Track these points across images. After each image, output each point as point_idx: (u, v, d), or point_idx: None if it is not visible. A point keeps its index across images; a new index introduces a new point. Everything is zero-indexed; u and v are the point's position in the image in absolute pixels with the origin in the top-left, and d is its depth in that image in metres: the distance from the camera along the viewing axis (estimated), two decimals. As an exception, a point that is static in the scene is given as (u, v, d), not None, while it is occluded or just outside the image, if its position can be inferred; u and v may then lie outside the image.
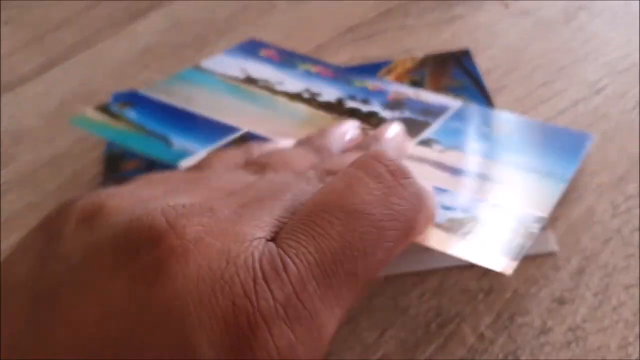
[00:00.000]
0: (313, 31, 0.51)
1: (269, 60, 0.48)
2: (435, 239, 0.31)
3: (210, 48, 0.51)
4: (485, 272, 0.36)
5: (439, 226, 0.32)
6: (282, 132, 0.40)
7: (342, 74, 0.47)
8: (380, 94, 0.45)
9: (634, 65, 0.46)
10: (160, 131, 0.40)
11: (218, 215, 0.19)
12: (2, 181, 0.43)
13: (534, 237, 0.32)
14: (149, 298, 0.16)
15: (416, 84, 0.46)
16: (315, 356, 0.18)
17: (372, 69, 0.47)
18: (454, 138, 0.40)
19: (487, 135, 0.41)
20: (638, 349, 0.33)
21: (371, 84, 0.46)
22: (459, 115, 0.43)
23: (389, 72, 0.47)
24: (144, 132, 0.40)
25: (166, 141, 0.39)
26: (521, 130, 0.42)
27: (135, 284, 0.17)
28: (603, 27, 0.49)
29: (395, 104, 0.44)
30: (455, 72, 0.46)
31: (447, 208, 0.34)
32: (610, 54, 0.47)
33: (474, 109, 0.43)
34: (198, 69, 0.47)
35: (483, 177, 0.37)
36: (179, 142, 0.39)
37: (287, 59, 0.48)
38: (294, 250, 0.18)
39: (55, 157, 0.44)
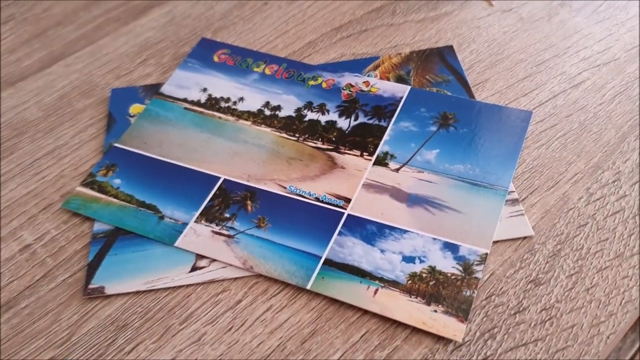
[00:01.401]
0: (304, 28, 0.53)
1: (223, 67, 0.50)
2: (402, 312, 0.35)
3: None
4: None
5: (403, 289, 0.36)
6: (253, 170, 0.43)
7: (295, 69, 0.49)
8: (334, 92, 0.47)
9: (612, 59, 0.47)
10: (148, 200, 0.42)
11: None
12: (3, 170, 0.45)
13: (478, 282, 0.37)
14: None
15: (402, 79, 0.48)
16: None
17: (360, 64, 0.49)
18: (405, 144, 0.43)
19: (434, 124, 0.44)
20: (610, 328, 0.35)
21: (324, 80, 0.48)
22: (408, 109, 0.45)
23: (375, 67, 0.49)
24: (133, 203, 0.42)
25: (156, 211, 0.41)
26: (464, 113, 0.45)
27: None
28: (584, 23, 0.50)
29: (349, 105, 0.46)
30: (440, 67, 0.48)
31: (407, 259, 0.37)
32: (590, 49, 0.48)
33: (420, 95, 0.46)
34: (161, 97, 0.48)
35: (433, 205, 0.40)
36: (168, 211, 0.41)
37: (240, 61, 0.50)
38: None
39: (55, 148, 0.46)
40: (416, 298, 0.36)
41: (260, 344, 0.35)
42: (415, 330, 0.35)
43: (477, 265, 0.37)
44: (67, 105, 0.49)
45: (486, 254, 0.37)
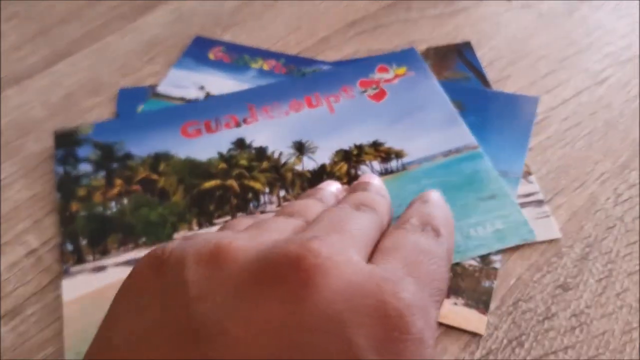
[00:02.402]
0: (317, 24, 0.51)
1: (219, 64, 0.49)
2: None
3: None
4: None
5: None
6: None
7: (294, 64, 0.48)
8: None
9: (636, 56, 0.46)
10: None
11: (328, 240, 0.22)
12: (8, 172, 0.44)
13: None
14: (305, 310, 0.19)
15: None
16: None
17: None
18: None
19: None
20: (642, 335, 0.33)
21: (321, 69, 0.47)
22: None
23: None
24: None
25: None
26: (471, 100, 0.44)
27: (289, 303, 0.19)
28: (606, 18, 0.49)
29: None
30: (458, 64, 0.47)
31: None
32: (614, 44, 0.47)
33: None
34: (157, 97, 0.47)
35: None
36: None
37: (236, 58, 0.49)
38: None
39: (62, 148, 0.45)
40: None
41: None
42: (441, 337, 0.33)
43: (494, 255, 0.36)
44: (74, 105, 0.48)
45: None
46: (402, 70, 0.46)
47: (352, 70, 0.46)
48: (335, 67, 0.47)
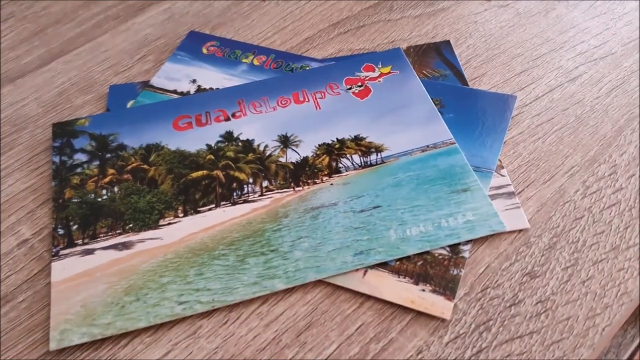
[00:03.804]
0: (302, 24, 0.53)
1: (212, 58, 0.51)
2: (390, 292, 0.36)
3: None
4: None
5: (392, 269, 0.37)
6: None
7: (283, 59, 0.50)
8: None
9: (609, 54, 0.47)
10: None
11: None
12: (3, 165, 0.45)
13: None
14: None
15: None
16: None
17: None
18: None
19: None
20: (605, 320, 0.35)
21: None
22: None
23: (373, 61, 0.49)
24: None
25: None
26: (450, 98, 0.45)
27: None
28: (580, 17, 0.50)
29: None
30: (437, 62, 0.48)
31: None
32: (587, 43, 0.48)
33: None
34: (151, 89, 0.49)
35: None
36: None
37: (228, 52, 0.51)
38: None
39: (54, 144, 0.46)
40: (404, 278, 0.36)
41: (255, 337, 0.35)
42: (411, 322, 0.35)
43: (464, 244, 0.37)
44: (66, 102, 0.49)
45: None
46: (387, 69, 0.47)
47: (339, 68, 0.48)
48: (323, 64, 0.49)
